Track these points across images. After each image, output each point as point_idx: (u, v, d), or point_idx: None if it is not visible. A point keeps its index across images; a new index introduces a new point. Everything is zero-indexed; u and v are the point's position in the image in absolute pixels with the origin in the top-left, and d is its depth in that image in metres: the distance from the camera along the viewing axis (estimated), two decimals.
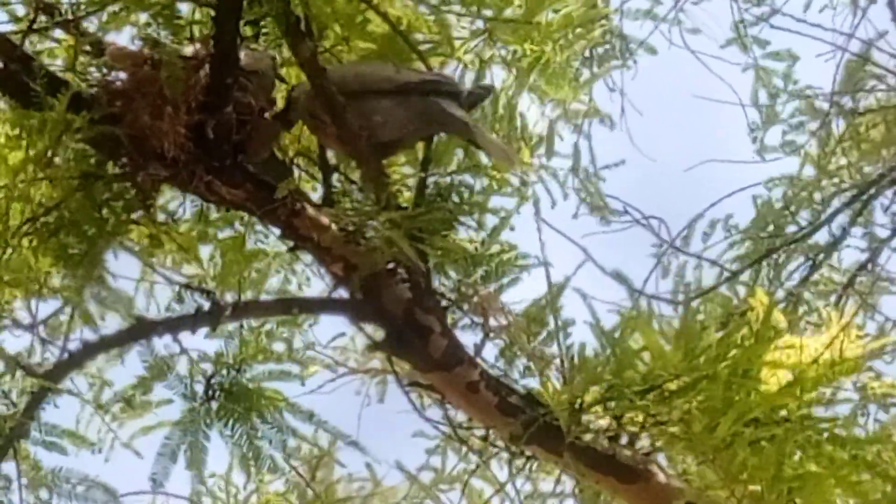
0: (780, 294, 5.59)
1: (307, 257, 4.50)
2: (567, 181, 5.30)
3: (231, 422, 4.43)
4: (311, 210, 4.18)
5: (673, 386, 3.93)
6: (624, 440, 4.06)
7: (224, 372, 4.48)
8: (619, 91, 5.40)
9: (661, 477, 4.04)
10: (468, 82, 4.43)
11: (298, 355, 4.56)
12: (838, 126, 5.75)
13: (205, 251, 4.48)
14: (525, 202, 4.30)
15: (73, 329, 4.43)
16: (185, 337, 4.45)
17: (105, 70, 4.14)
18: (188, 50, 4.10)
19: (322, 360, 4.71)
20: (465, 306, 4.23)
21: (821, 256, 5.60)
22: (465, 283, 4.23)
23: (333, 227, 4.16)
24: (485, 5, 4.33)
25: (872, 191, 5.53)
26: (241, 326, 4.50)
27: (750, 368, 3.89)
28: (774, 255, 5.64)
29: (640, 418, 4.01)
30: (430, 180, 4.22)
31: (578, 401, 4.01)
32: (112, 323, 4.43)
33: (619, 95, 5.40)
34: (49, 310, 4.43)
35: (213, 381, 4.47)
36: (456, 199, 4.22)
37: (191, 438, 4.40)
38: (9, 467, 4.33)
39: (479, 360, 4.19)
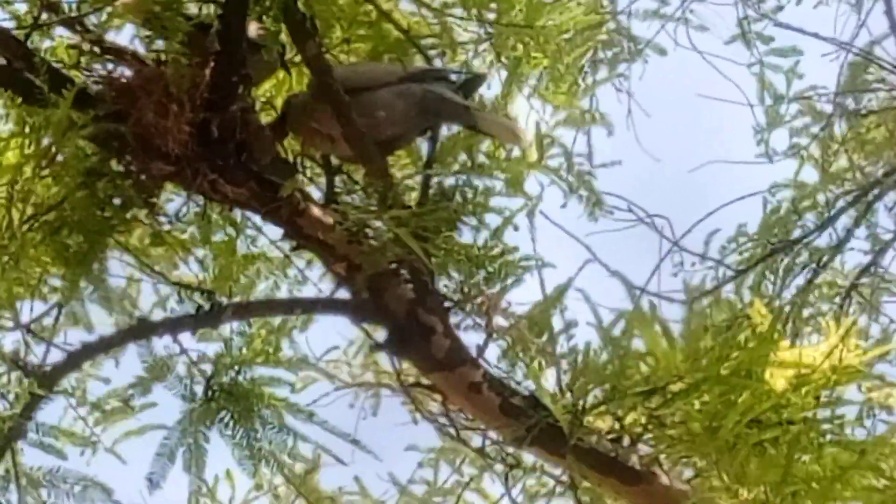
0: (785, 297, 5.58)
1: (299, 261, 4.49)
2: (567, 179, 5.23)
3: (231, 422, 4.41)
4: (314, 209, 4.18)
5: (675, 387, 3.92)
6: (626, 442, 4.05)
7: (224, 373, 4.46)
8: (625, 91, 5.38)
9: (664, 479, 4.03)
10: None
11: (291, 360, 4.53)
12: (841, 127, 5.74)
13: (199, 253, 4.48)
14: (537, 204, 4.27)
15: (65, 326, 4.43)
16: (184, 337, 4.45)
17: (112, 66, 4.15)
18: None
19: (316, 374, 4.70)
20: (468, 307, 4.22)
21: (824, 259, 5.58)
22: (469, 283, 4.21)
23: (337, 226, 4.16)
24: (487, 8, 4.31)
25: (876, 192, 5.52)
26: (232, 331, 4.48)
27: (753, 369, 3.88)
28: (779, 259, 5.62)
29: (643, 420, 4.00)
30: (434, 180, 4.21)
31: (581, 402, 4.01)
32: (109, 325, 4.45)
33: (625, 95, 5.38)
34: (43, 307, 4.43)
35: (212, 381, 4.45)
36: (460, 199, 4.21)
37: (190, 439, 4.37)
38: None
39: (481, 361, 4.18)
